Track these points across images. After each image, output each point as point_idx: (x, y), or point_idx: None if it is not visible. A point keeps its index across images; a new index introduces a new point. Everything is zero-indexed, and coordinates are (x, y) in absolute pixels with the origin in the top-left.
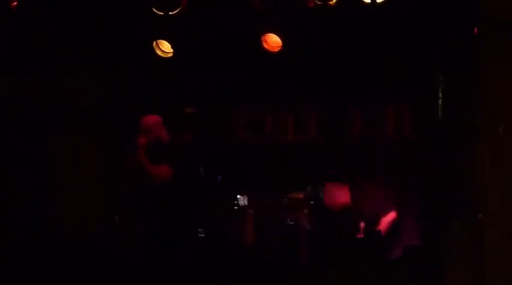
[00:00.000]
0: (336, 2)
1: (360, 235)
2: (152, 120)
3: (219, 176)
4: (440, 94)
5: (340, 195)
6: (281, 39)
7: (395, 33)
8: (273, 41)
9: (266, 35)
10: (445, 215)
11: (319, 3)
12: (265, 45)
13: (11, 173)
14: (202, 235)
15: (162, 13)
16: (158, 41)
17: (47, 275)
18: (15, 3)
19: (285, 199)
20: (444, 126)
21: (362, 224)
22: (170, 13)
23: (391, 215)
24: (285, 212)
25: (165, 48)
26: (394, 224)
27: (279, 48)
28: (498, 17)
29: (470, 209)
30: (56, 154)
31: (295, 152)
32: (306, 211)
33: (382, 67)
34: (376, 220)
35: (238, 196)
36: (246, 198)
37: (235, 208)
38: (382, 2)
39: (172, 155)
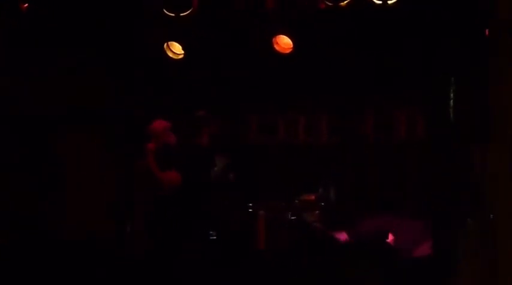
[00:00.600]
0: (346, 3)
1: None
2: (160, 125)
3: (231, 177)
4: (451, 95)
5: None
6: (292, 40)
7: (405, 34)
8: (284, 42)
9: (277, 36)
10: (458, 215)
11: (330, 4)
12: (276, 47)
13: (11, 173)
14: (214, 238)
15: (173, 14)
16: (169, 42)
17: (47, 275)
18: (26, 4)
19: (297, 201)
20: (456, 127)
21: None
22: (181, 14)
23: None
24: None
25: (176, 49)
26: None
27: (290, 49)
28: (504, 18)
29: (482, 209)
30: (56, 154)
31: (306, 154)
32: (317, 212)
33: (393, 69)
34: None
35: None
36: None
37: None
38: (393, 3)
39: (180, 160)
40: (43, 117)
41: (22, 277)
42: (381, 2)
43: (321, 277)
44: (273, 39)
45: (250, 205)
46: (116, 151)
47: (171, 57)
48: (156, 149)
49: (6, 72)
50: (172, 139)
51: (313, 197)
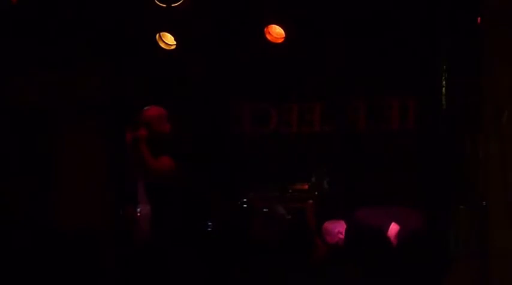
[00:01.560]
0: None
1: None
2: (154, 112)
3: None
4: (443, 84)
5: (340, 231)
6: (284, 30)
7: (400, 24)
8: (276, 32)
9: (269, 26)
10: (451, 202)
11: None
12: (268, 37)
13: (10, 172)
14: (210, 229)
15: (164, 5)
16: (161, 33)
17: (47, 274)
18: None
19: (290, 190)
20: (448, 116)
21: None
22: (173, 5)
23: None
24: (290, 204)
25: (168, 40)
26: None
27: (282, 39)
28: (501, 9)
29: (475, 197)
30: (56, 153)
31: (299, 144)
32: (311, 201)
33: (386, 59)
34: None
35: None
36: None
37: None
38: None
39: (174, 149)
40: (42, 114)
41: (22, 277)
42: None
43: (316, 271)
44: (265, 29)
45: (244, 196)
46: (114, 148)
47: (163, 48)
48: (148, 137)
49: (3, 68)
50: (167, 127)
51: (306, 186)
